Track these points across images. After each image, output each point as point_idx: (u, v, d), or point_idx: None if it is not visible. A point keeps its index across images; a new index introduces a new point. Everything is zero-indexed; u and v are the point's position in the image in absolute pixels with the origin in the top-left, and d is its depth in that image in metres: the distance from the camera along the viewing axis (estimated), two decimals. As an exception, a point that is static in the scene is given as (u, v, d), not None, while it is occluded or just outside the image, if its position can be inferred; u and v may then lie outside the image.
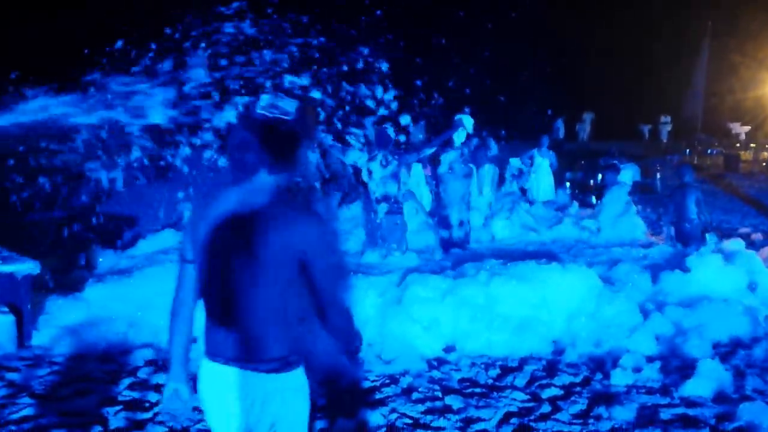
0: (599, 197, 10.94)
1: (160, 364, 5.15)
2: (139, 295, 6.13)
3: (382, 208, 7.25)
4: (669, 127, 26.72)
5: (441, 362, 5.37)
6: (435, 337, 5.71)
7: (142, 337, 5.63)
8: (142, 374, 4.97)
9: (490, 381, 5.02)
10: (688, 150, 24.06)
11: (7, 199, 7.95)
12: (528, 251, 8.25)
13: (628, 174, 12.57)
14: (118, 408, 4.34)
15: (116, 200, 9.47)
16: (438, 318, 5.84)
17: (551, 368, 5.22)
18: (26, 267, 5.38)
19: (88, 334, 5.58)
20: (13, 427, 4.02)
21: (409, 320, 5.75)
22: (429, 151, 7.67)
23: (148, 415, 4.28)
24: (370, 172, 7.20)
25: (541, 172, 12.16)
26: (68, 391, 4.62)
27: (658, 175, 16.04)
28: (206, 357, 2.19)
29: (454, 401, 4.61)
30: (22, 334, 5.35)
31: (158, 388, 4.67)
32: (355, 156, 7.08)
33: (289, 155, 2.08)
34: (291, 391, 2.15)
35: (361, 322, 5.80)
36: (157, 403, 4.43)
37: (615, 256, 8.21)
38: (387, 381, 4.95)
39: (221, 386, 2.14)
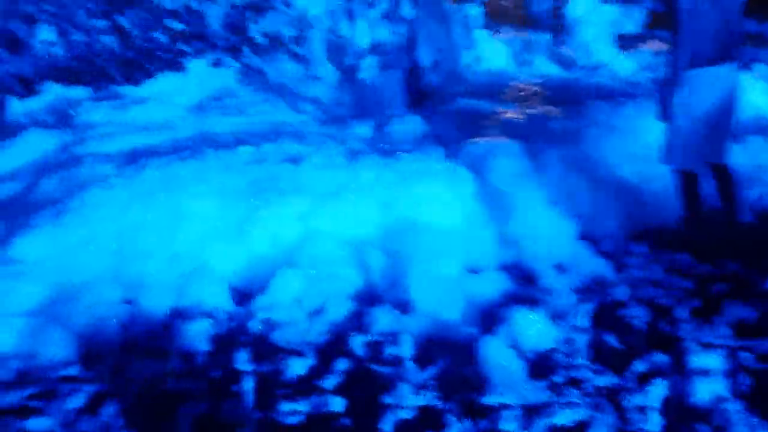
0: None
1: (247, 339, 3.17)
2: (100, 237, 3.87)
3: (371, 61, 5.38)
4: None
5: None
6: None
7: (156, 299, 3.53)
8: (242, 364, 2.96)
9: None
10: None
11: None
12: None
13: None
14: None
15: None
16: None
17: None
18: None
19: (69, 317, 3.33)
20: None
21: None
22: None
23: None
24: (351, 14, 5.25)
25: None
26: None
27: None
28: None
29: None
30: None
31: (305, 385, 2.79)
32: None
33: None
34: None
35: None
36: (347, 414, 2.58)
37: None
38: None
39: None
